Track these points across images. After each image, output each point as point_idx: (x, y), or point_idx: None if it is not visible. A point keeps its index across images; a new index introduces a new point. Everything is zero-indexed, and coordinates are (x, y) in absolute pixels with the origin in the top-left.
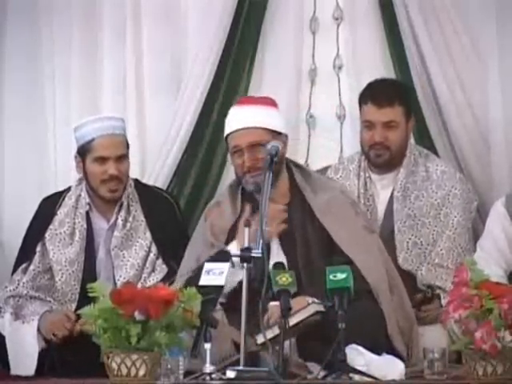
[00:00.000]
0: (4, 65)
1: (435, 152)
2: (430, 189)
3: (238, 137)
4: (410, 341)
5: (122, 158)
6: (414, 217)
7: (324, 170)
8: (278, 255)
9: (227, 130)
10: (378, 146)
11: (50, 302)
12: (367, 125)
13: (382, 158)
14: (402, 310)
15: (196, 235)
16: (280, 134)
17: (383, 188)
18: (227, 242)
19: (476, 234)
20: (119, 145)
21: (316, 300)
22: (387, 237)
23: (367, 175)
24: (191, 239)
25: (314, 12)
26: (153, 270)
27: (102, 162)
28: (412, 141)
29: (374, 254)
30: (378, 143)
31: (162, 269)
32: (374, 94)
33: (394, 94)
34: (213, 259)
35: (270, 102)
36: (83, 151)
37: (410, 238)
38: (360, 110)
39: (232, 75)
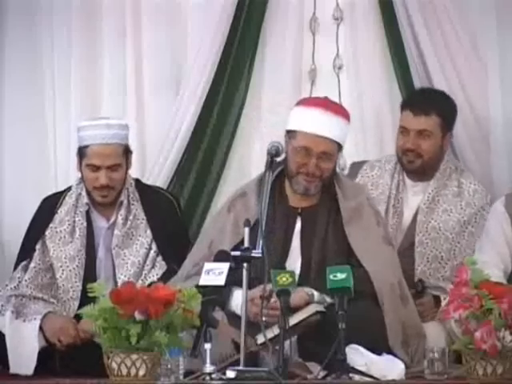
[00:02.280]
0: (4, 65)
1: None
2: (460, 205)
3: (313, 141)
4: (415, 354)
5: (115, 167)
6: (439, 230)
7: (360, 164)
8: (297, 255)
9: (303, 127)
10: (410, 152)
11: (53, 303)
12: (402, 131)
13: (413, 164)
14: (413, 324)
15: (213, 222)
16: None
17: (415, 195)
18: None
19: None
20: (113, 154)
21: (315, 292)
22: (408, 247)
23: (401, 178)
24: (205, 226)
25: (314, 12)
26: (153, 267)
27: (94, 170)
28: (450, 155)
29: (388, 264)
30: (410, 150)
31: (161, 265)
32: (413, 101)
33: (432, 104)
34: (214, 259)
35: (347, 115)
36: (80, 154)
37: (431, 251)
38: (400, 115)
39: (232, 75)
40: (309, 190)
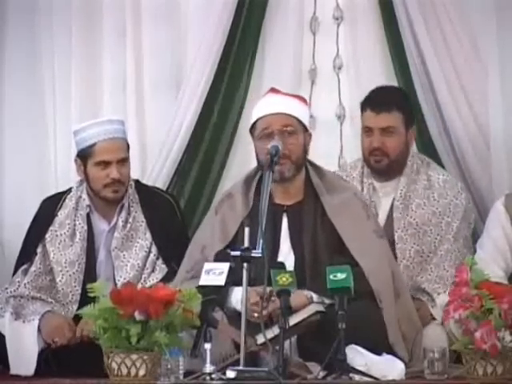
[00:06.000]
0: (4, 65)
1: (435, 152)
2: (432, 197)
3: (271, 120)
4: (413, 349)
5: (124, 160)
6: (416, 225)
7: None
8: (288, 253)
9: (258, 114)
10: (376, 151)
11: (51, 302)
12: (366, 131)
13: (380, 164)
14: (407, 316)
15: (203, 226)
16: (307, 130)
17: (385, 195)
18: (237, 234)
19: (476, 234)
20: (120, 148)
21: (314, 295)
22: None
23: (370, 182)
24: (197, 231)
25: (314, 12)
26: (152, 271)
27: (104, 166)
28: (415, 149)
29: (381, 258)
30: (377, 149)
31: (161, 269)
32: (373, 100)
33: (392, 101)
34: (215, 259)
35: (304, 100)
36: (84, 155)
37: (412, 247)
38: (361, 117)
39: (232, 75)
40: (283, 174)
